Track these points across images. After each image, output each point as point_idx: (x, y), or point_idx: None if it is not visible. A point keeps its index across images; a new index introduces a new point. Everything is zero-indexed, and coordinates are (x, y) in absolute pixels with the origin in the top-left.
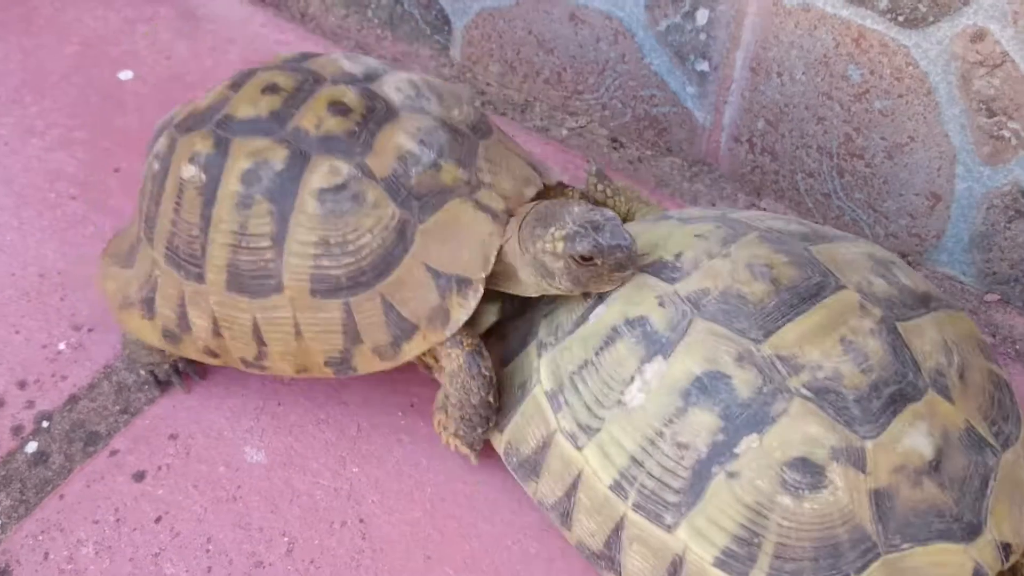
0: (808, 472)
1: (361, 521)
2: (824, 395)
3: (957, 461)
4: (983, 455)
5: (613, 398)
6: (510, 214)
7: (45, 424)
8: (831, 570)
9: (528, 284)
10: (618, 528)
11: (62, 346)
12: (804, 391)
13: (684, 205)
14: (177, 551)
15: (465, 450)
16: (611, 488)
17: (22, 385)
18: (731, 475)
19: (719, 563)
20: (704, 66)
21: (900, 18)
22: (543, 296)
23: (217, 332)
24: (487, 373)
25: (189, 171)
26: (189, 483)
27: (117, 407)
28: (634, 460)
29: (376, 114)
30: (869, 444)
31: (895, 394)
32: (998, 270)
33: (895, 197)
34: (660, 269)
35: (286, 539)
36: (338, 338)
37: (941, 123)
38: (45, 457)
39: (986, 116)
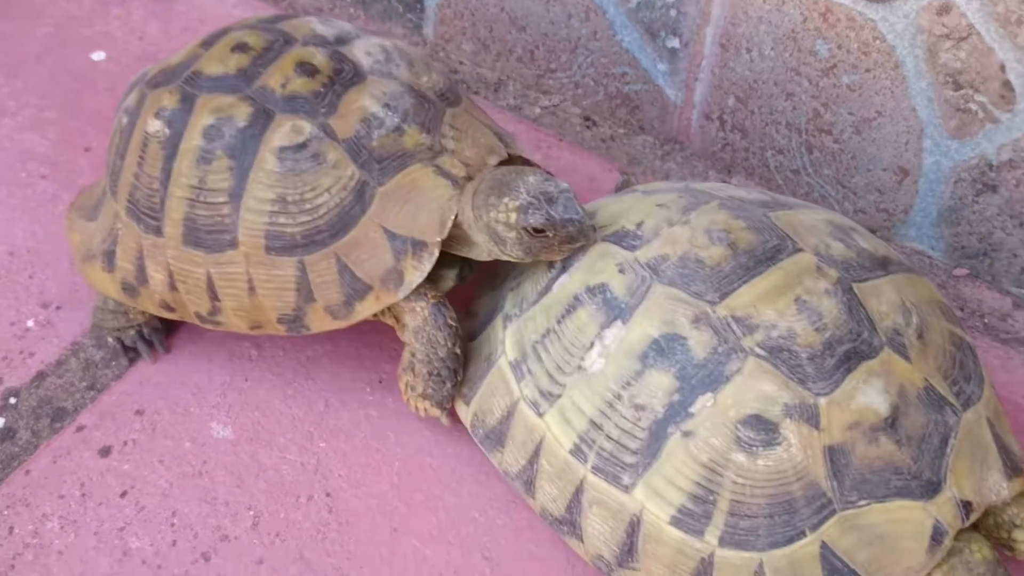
0: (762, 429)
1: (328, 495)
2: (778, 353)
3: (915, 419)
4: (943, 414)
5: (574, 364)
6: (470, 180)
7: (12, 400)
8: (786, 527)
9: (482, 249)
10: (578, 492)
11: (30, 323)
12: (758, 350)
13: None
14: (142, 525)
15: (435, 411)
16: (571, 452)
17: None
18: (686, 434)
19: (675, 522)
20: (675, 43)
21: None
22: (511, 272)
23: (173, 286)
24: (452, 323)
25: (154, 125)
26: (155, 458)
27: (84, 383)
28: (593, 424)
29: (343, 76)
30: (822, 401)
31: (849, 352)
32: (966, 244)
33: (863, 172)
34: (622, 238)
35: (251, 513)
36: (291, 296)
37: (908, 97)
38: (12, 433)
39: (953, 89)
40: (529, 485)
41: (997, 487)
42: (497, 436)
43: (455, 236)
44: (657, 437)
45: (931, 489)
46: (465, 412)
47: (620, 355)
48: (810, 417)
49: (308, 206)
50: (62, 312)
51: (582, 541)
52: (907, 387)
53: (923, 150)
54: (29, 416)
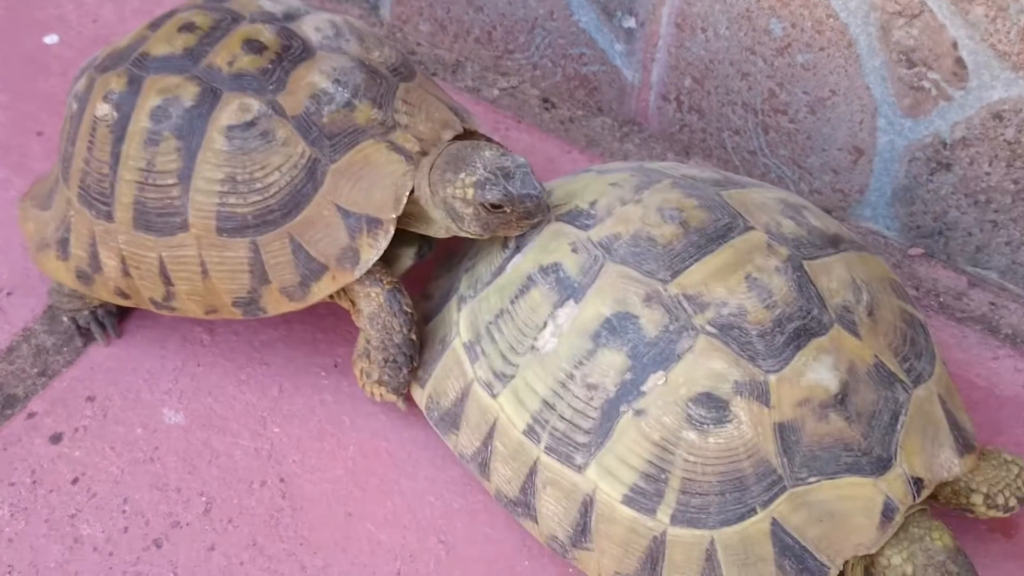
0: (712, 407)
1: (281, 480)
2: (728, 331)
3: (865, 396)
4: (893, 390)
5: (527, 344)
6: (425, 155)
7: None
8: (737, 504)
9: (439, 226)
10: (532, 473)
11: None
12: (709, 328)
13: None
14: (93, 512)
15: (391, 396)
16: (525, 433)
17: None
18: (638, 413)
19: (627, 500)
20: (631, 22)
21: None
22: (467, 252)
23: (126, 272)
24: (408, 310)
25: (103, 109)
26: (106, 445)
27: (35, 370)
28: (546, 404)
29: (292, 52)
30: (772, 378)
31: (799, 329)
32: (921, 223)
33: (818, 152)
34: (575, 217)
35: (204, 499)
36: (245, 278)
37: (862, 75)
38: None
39: (906, 67)
40: (484, 467)
41: (948, 464)
42: (452, 418)
43: (412, 213)
44: (609, 416)
45: (881, 465)
46: (420, 395)
47: (573, 335)
48: (760, 394)
49: (259, 185)
50: (13, 298)
51: (536, 522)
52: (857, 364)
53: (877, 129)
54: None
